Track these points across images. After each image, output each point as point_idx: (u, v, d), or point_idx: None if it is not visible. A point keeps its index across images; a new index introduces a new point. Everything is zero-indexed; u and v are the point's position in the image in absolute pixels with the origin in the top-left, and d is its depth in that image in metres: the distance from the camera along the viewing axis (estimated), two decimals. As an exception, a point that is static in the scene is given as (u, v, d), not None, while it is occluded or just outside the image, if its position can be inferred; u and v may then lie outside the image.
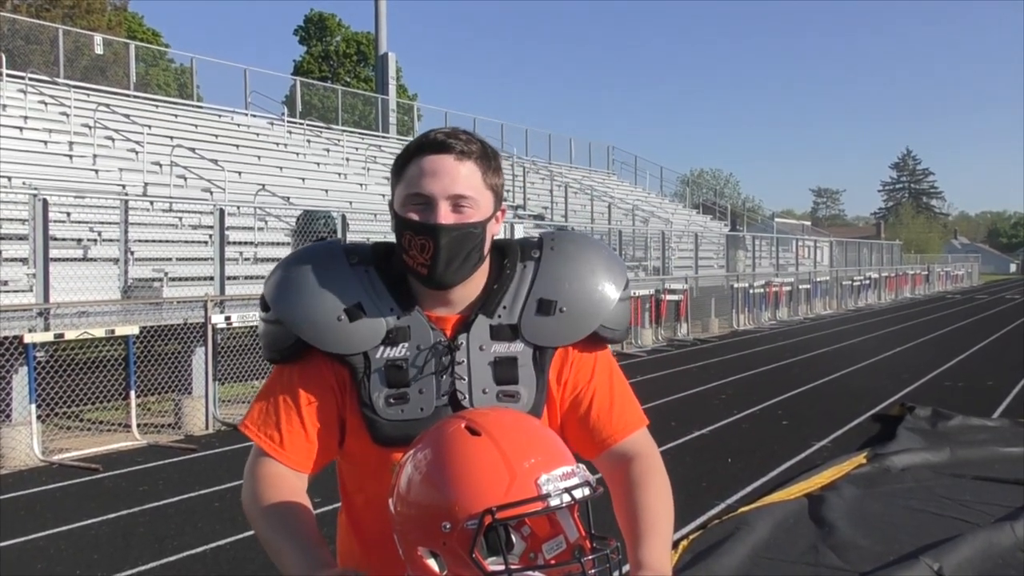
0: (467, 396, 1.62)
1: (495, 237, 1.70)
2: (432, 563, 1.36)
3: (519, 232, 15.16)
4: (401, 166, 1.63)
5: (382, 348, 1.62)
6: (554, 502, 1.32)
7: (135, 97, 21.22)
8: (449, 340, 1.64)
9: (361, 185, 20.80)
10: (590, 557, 1.34)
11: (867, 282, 35.52)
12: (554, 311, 1.66)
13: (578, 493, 1.35)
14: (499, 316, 1.66)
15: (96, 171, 15.08)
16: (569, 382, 1.70)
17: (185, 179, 15.85)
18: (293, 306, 1.63)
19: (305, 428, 1.64)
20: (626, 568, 1.49)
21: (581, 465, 1.41)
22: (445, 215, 1.58)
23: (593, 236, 1.95)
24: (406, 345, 1.63)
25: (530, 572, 1.36)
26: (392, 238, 1.69)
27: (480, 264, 1.65)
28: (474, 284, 1.67)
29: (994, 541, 5.35)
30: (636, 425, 1.72)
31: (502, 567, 1.31)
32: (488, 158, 1.64)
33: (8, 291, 9.24)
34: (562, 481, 1.35)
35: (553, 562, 1.42)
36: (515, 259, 1.71)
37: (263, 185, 16.60)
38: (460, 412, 1.49)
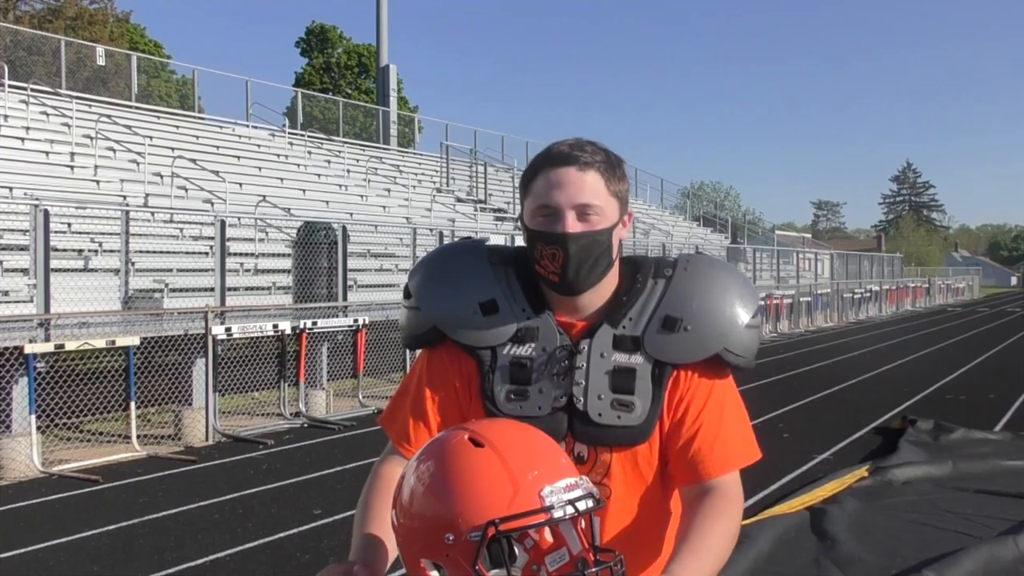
0: (583, 400, 1.65)
1: (623, 248, 1.75)
2: (435, 575, 1.35)
3: (519, 243, 15.14)
4: (528, 180, 1.70)
5: (510, 345, 1.70)
6: (557, 514, 1.32)
7: (137, 108, 21.25)
8: (573, 344, 1.68)
9: (362, 196, 20.80)
10: (593, 570, 1.34)
11: (868, 295, 35.49)
12: (678, 328, 1.68)
13: (582, 505, 1.34)
14: (624, 327, 1.69)
15: (97, 182, 15.08)
16: (682, 404, 1.69)
17: (186, 190, 15.86)
18: (433, 295, 1.74)
19: (428, 423, 1.73)
20: None
21: (584, 477, 1.40)
22: (572, 224, 1.63)
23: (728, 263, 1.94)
24: (533, 345, 1.69)
25: (533, 585, 1.36)
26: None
27: (609, 270, 1.70)
28: (603, 290, 1.72)
29: (997, 555, 5.33)
30: (734, 464, 1.70)
31: (505, 580, 1.31)
32: (612, 166, 1.69)
33: (9, 301, 9.23)
34: (566, 493, 1.34)
35: (556, 575, 1.41)
36: (647, 274, 1.75)
37: (264, 196, 16.61)
38: (463, 423, 1.49)
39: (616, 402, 1.65)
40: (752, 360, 1.73)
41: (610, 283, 1.72)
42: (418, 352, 1.84)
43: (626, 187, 1.72)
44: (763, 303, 24.10)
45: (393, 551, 1.56)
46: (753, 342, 1.73)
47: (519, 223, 1.75)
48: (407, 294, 1.78)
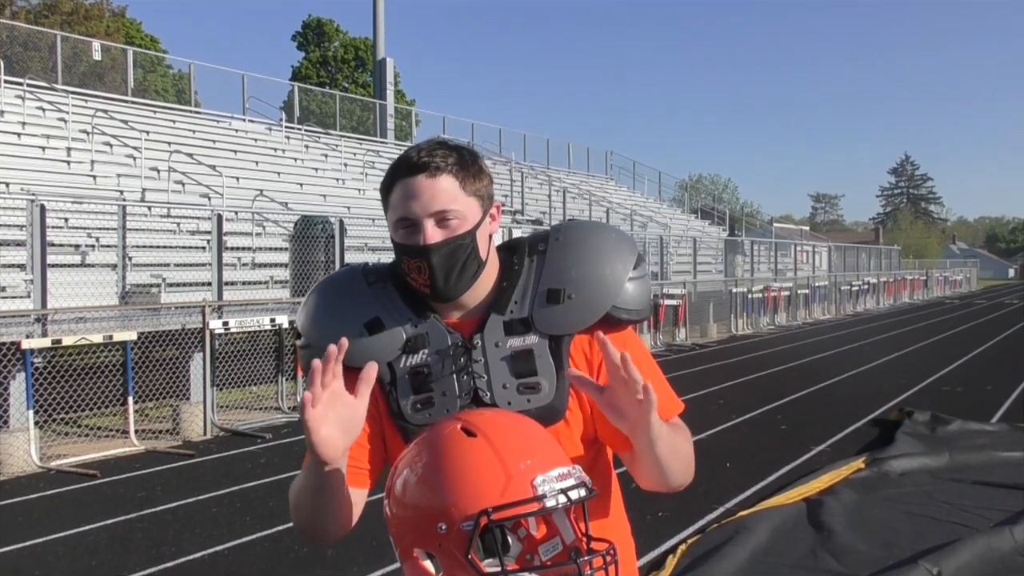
0: (488, 393, 1.64)
1: (494, 237, 1.73)
2: (428, 565, 1.36)
3: (515, 234, 15.14)
4: (386, 192, 1.69)
5: (404, 357, 1.68)
6: (550, 503, 1.32)
7: (133, 103, 21.21)
8: (465, 341, 1.67)
9: (359, 190, 20.79)
10: (586, 558, 1.34)
11: (866, 287, 35.49)
12: (562, 299, 1.67)
13: (574, 494, 1.34)
14: (511, 312, 1.68)
15: (94, 177, 15.07)
16: (600, 377, 1.65)
17: (183, 185, 15.84)
18: (319, 329, 1.71)
19: (352, 451, 1.65)
20: None
21: (577, 466, 1.41)
22: (432, 234, 1.62)
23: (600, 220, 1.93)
24: (426, 351, 1.67)
25: (526, 574, 1.36)
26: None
27: (481, 270, 1.68)
28: (483, 286, 1.71)
29: (993, 545, 5.34)
30: (668, 414, 1.68)
31: (498, 569, 1.31)
32: (465, 166, 1.66)
33: (6, 297, 9.23)
34: (558, 482, 1.34)
35: (549, 563, 1.41)
36: (523, 255, 1.74)
37: (261, 190, 16.59)
38: (456, 413, 1.49)
39: (522, 387, 1.64)
40: (645, 312, 1.74)
41: (490, 277, 1.72)
42: None
43: (486, 183, 1.70)
44: (761, 295, 24.34)
45: (349, 507, 1.59)
46: (641, 294, 1.72)
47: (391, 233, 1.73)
48: (297, 335, 1.78)
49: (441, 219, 1.62)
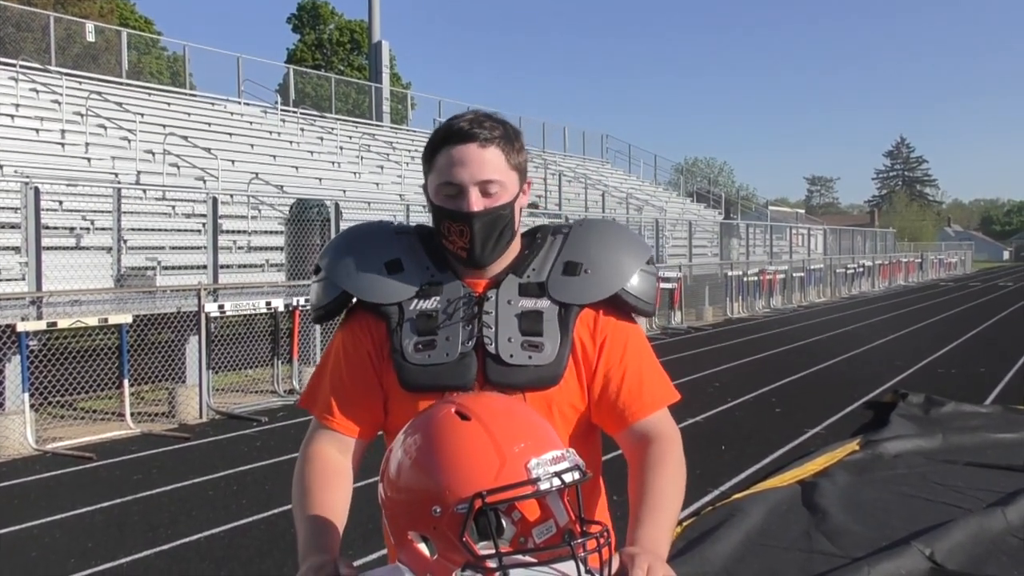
0: (493, 343, 1.71)
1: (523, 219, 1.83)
2: (423, 547, 1.36)
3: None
4: (430, 156, 1.75)
5: (416, 300, 1.75)
6: (544, 486, 1.33)
7: (127, 85, 21.11)
8: (479, 295, 1.75)
9: (355, 174, 20.74)
10: (580, 541, 1.35)
11: (861, 270, 35.54)
12: (579, 272, 1.77)
13: (568, 477, 1.35)
14: (528, 276, 1.77)
15: (88, 159, 15.01)
16: (603, 359, 1.76)
17: (178, 167, 15.79)
18: (339, 262, 1.80)
19: (346, 392, 1.77)
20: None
21: (571, 449, 1.41)
22: (477, 201, 1.69)
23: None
24: (437, 298, 1.75)
25: (520, 556, 1.37)
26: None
27: (513, 239, 1.78)
28: (507, 257, 1.79)
29: (985, 526, 5.38)
30: (661, 403, 1.79)
31: (492, 551, 1.32)
32: (511, 139, 1.74)
33: (0, 280, 9.21)
34: (552, 465, 1.35)
35: (543, 546, 1.42)
36: (546, 233, 1.86)
37: (256, 174, 16.55)
38: (449, 397, 1.50)
39: (526, 343, 1.71)
40: (652, 306, 1.82)
41: (513, 251, 1.80)
42: None
43: (525, 158, 1.80)
44: (756, 278, 24.36)
45: (341, 527, 1.62)
46: (650, 287, 1.82)
47: (424, 194, 1.81)
48: (317, 269, 1.84)
49: (485, 188, 1.70)
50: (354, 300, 1.79)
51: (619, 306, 1.79)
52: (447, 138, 1.71)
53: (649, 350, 1.83)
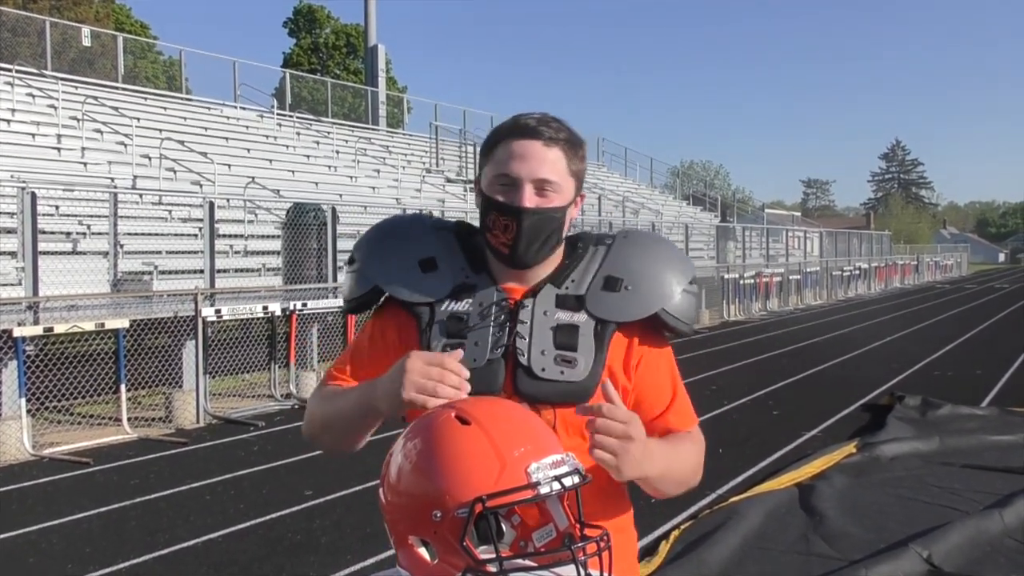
0: (526, 354, 1.67)
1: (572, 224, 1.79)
2: (423, 552, 1.36)
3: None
4: (490, 147, 1.72)
5: (448, 302, 1.72)
6: (544, 490, 1.33)
7: (123, 90, 21.09)
8: (515, 302, 1.71)
9: (351, 178, 20.73)
10: (580, 545, 1.35)
11: (857, 272, 35.56)
12: (619, 288, 1.72)
13: (568, 481, 1.35)
14: (567, 288, 1.73)
15: (84, 164, 15.00)
16: (636, 379, 1.74)
17: (174, 172, 15.78)
18: (374, 256, 1.78)
19: (366, 369, 1.75)
20: None
21: (571, 453, 1.42)
22: (529, 198, 1.65)
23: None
24: (470, 301, 1.71)
25: (520, 560, 1.37)
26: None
27: (558, 246, 1.74)
28: (548, 265, 1.75)
29: (983, 528, 5.38)
30: (690, 424, 1.79)
31: (492, 555, 1.32)
32: (574, 145, 1.71)
33: (-3, 285, 9.20)
34: (552, 469, 1.35)
35: (543, 550, 1.42)
36: (588, 243, 1.80)
37: (253, 178, 16.53)
38: (450, 402, 1.50)
39: (559, 358, 1.67)
40: (691, 327, 1.79)
41: (555, 259, 1.76)
42: None
43: (584, 168, 1.76)
44: (753, 281, 24.36)
45: None
46: (691, 307, 1.77)
47: (475, 186, 1.77)
48: (351, 260, 1.82)
49: (541, 187, 1.66)
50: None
51: (657, 325, 1.75)
52: (512, 131, 1.68)
53: (678, 373, 1.81)
